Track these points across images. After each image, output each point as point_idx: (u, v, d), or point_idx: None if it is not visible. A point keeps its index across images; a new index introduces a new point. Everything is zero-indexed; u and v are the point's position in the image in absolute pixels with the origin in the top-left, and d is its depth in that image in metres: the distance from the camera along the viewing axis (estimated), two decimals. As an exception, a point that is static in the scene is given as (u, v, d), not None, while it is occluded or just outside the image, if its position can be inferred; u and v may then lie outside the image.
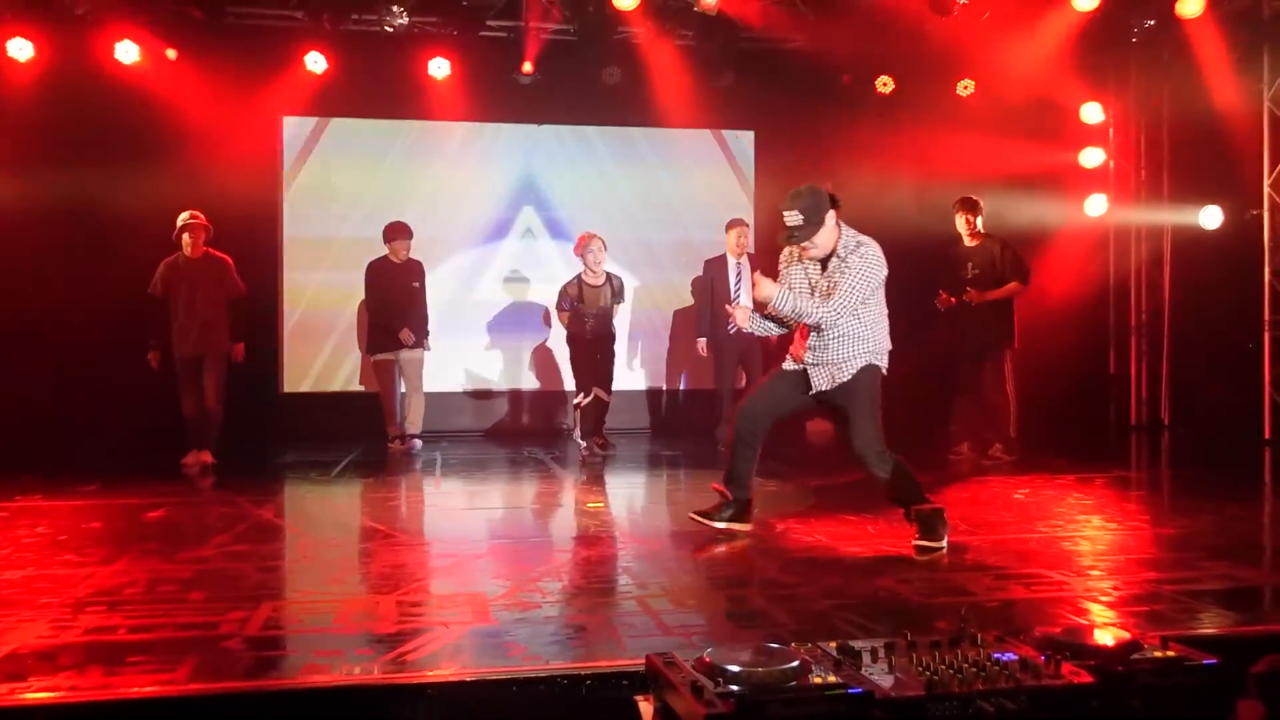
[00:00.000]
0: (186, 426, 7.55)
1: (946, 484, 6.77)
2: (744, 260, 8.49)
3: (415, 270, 8.44)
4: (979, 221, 7.69)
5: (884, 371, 4.69)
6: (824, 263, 4.55)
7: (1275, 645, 2.74)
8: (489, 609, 3.54)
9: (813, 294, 4.53)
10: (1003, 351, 7.71)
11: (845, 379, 4.55)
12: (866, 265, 4.49)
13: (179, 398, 7.53)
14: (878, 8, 8.68)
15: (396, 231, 8.35)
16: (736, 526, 4.74)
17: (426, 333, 8.52)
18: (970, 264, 7.66)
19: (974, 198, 7.80)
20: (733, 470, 4.75)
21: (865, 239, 4.57)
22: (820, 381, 4.58)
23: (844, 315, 4.48)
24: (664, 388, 10.18)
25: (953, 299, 7.68)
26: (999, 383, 7.70)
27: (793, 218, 4.41)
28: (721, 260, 8.65)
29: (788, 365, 4.74)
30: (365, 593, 3.80)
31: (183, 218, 7.47)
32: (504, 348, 9.90)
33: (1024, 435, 7.93)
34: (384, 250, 8.41)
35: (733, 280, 8.55)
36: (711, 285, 8.60)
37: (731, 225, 8.67)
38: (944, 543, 4.48)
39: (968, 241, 7.75)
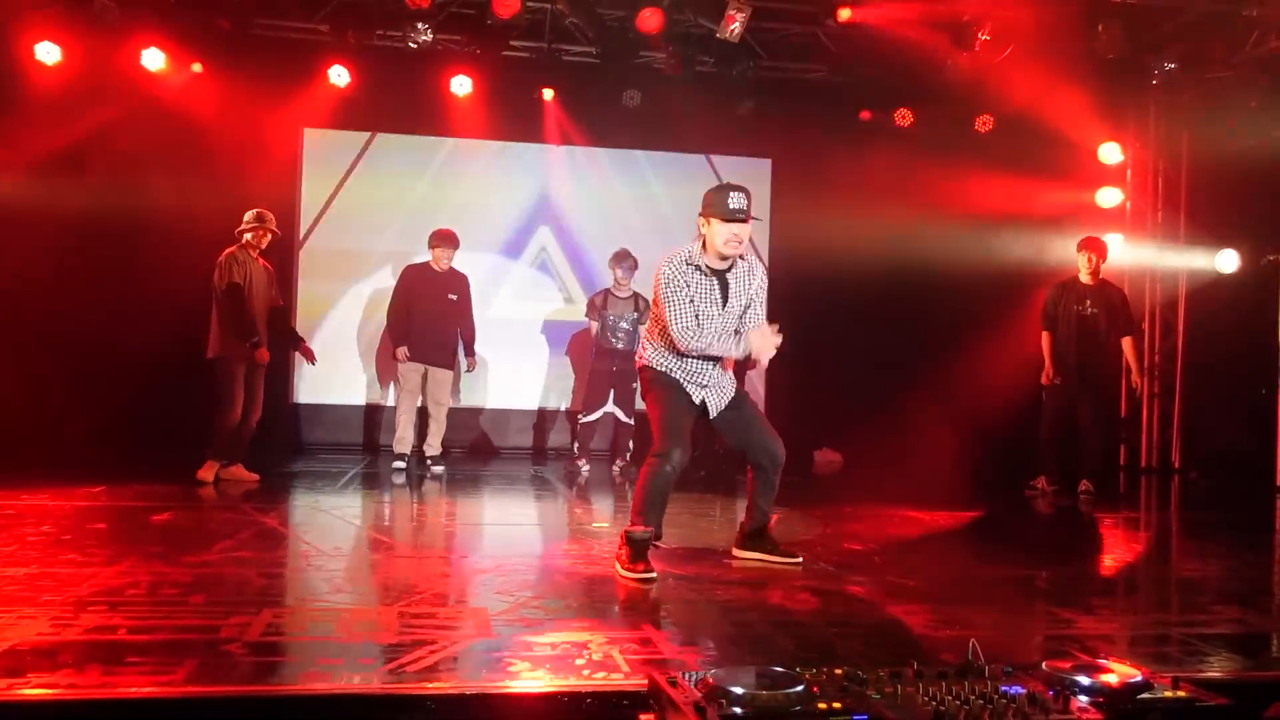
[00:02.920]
0: (235, 435, 7.04)
1: (955, 515, 6.73)
2: None
3: (455, 282, 8.02)
4: (1100, 263, 7.94)
5: None
6: (719, 274, 4.46)
7: (1287, 690, 2.71)
8: (491, 624, 3.52)
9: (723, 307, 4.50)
10: (1104, 393, 8.00)
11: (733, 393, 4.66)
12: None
13: (226, 404, 6.95)
14: (899, 40, 8.71)
15: (441, 239, 7.91)
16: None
17: (472, 351, 8.10)
18: (1088, 301, 7.87)
19: (1100, 239, 8.04)
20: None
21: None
22: (720, 402, 4.61)
23: None
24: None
25: (1058, 380, 7.90)
26: (1098, 422, 7.90)
27: (740, 199, 4.33)
28: None
29: (696, 393, 4.56)
30: (368, 603, 3.78)
31: (264, 217, 7.12)
32: (516, 365, 9.90)
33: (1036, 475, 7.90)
34: (412, 259, 8.24)
35: None
36: None
37: None
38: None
39: (1085, 279, 7.91)
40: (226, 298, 6.94)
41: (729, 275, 4.47)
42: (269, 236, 7.19)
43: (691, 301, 4.40)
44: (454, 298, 7.96)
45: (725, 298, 4.46)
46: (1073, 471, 7.88)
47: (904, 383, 9.50)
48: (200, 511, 6.15)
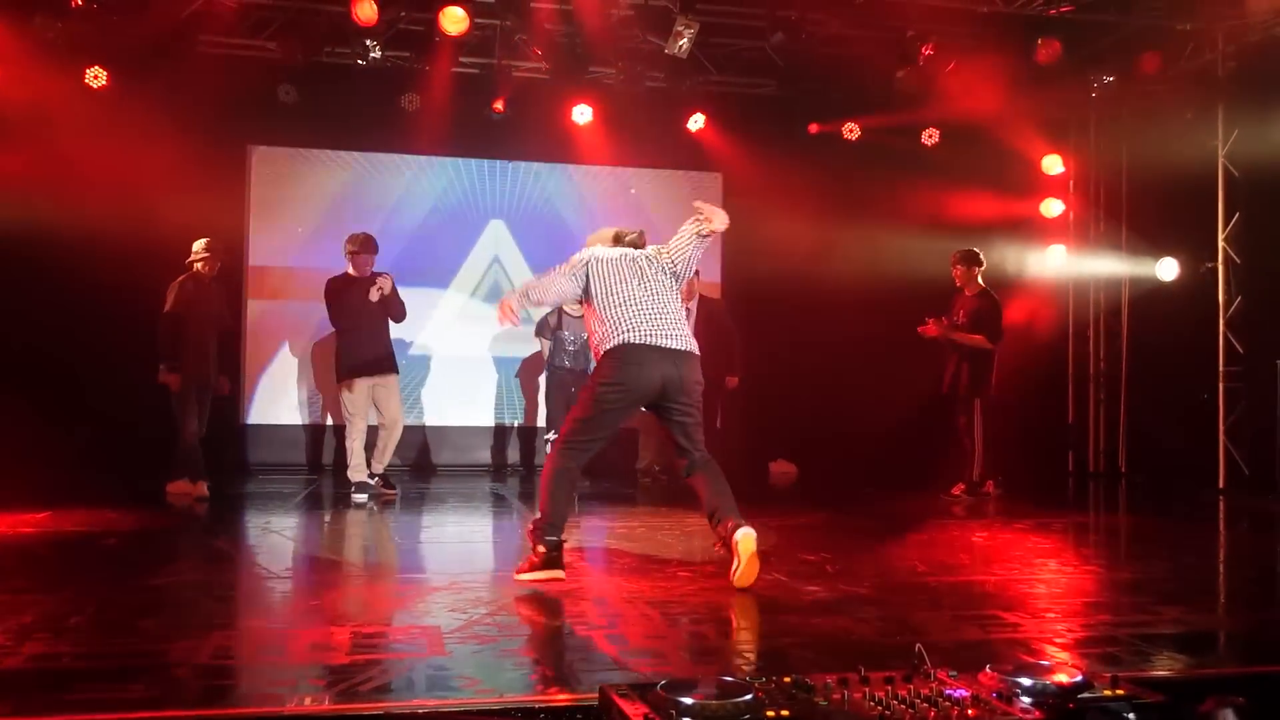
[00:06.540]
0: (188, 452, 7.27)
1: (908, 524, 6.81)
2: (691, 306, 8.54)
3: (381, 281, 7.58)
4: (978, 274, 8.10)
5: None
6: None
7: (1224, 687, 2.77)
8: (444, 641, 3.51)
9: None
10: (974, 400, 8.04)
11: None
12: None
13: (180, 421, 7.27)
14: (846, 56, 8.84)
15: (363, 244, 7.53)
16: None
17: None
18: (961, 312, 8.05)
19: (972, 250, 8.19)
20: None
21: None
22: None
23: None
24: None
25: (930, 327, 8.00)
26: (968, 427, 8.06)
27: None
28: None
29: None
30: (319, 623, 3.75)
31: (207, 245, 7.48)
32: (467, 382, 9.87)
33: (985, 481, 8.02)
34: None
35: None
36: None
37: None
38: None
39: (967, 292, 8.11)
40: (160, 323, 7.26)
41: None
42: (219, 263, 7.54)
43: None
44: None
45: None
46: (1009, 470, 8.11)
47: (857, 393, 9.59)
48: (148, 535, 6.06)
